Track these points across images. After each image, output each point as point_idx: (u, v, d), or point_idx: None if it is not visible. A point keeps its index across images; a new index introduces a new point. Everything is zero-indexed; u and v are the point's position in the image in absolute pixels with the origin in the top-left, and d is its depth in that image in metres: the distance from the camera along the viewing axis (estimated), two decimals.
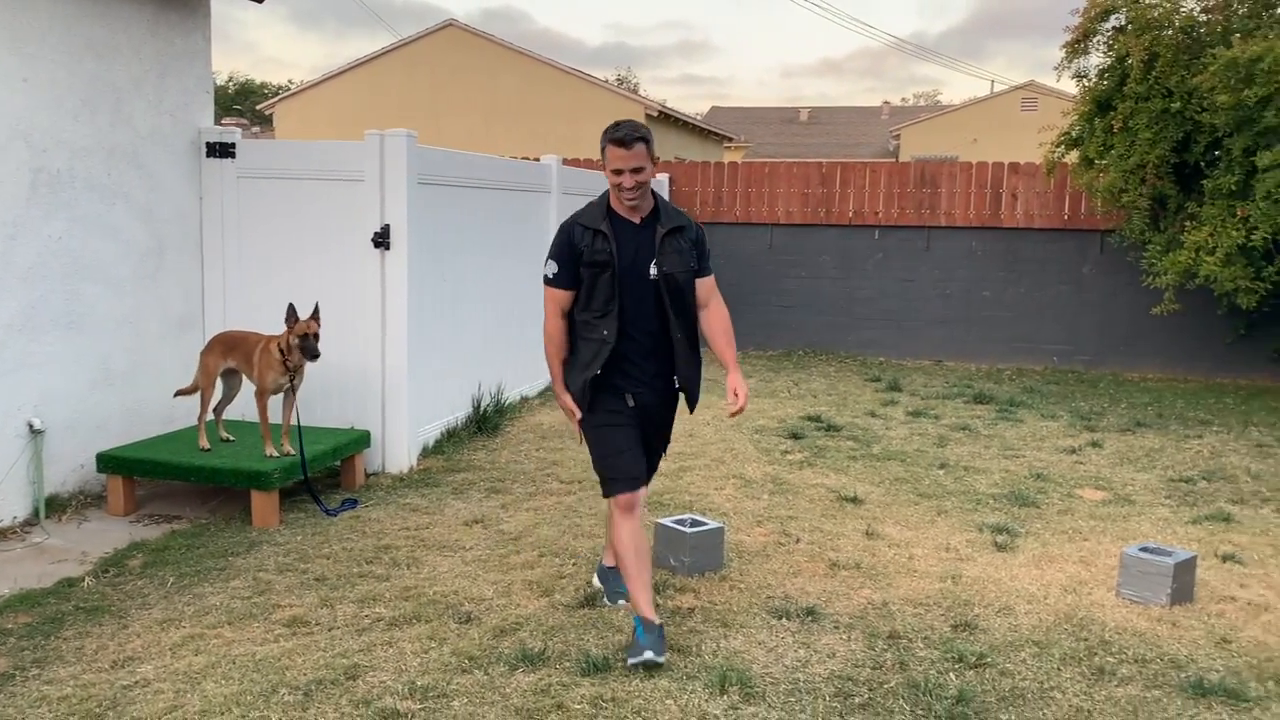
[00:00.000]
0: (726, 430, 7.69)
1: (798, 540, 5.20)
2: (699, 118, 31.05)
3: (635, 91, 43.27)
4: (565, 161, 9.66)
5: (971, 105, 43.94)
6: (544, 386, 8.74)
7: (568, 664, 3.74)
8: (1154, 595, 4.40)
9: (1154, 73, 9.06)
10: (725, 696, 3.51)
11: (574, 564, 4.82)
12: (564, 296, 3.93)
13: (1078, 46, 9.67)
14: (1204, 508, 5.92)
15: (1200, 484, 6.48)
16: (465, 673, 3.67)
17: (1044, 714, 3.44)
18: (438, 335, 6.85)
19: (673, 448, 7.51)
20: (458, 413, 7.32)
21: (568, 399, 3.98)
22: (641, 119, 26.36)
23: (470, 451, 6.94)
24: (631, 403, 3.96)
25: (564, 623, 4.13)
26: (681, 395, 4.11)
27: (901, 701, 3.51)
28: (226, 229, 6.49)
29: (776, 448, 7.22)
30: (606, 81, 35.82)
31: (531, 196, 8.61)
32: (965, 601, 4.42)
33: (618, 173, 3.80)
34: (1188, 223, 9.11)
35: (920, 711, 3.43)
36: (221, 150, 6.40)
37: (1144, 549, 4.54)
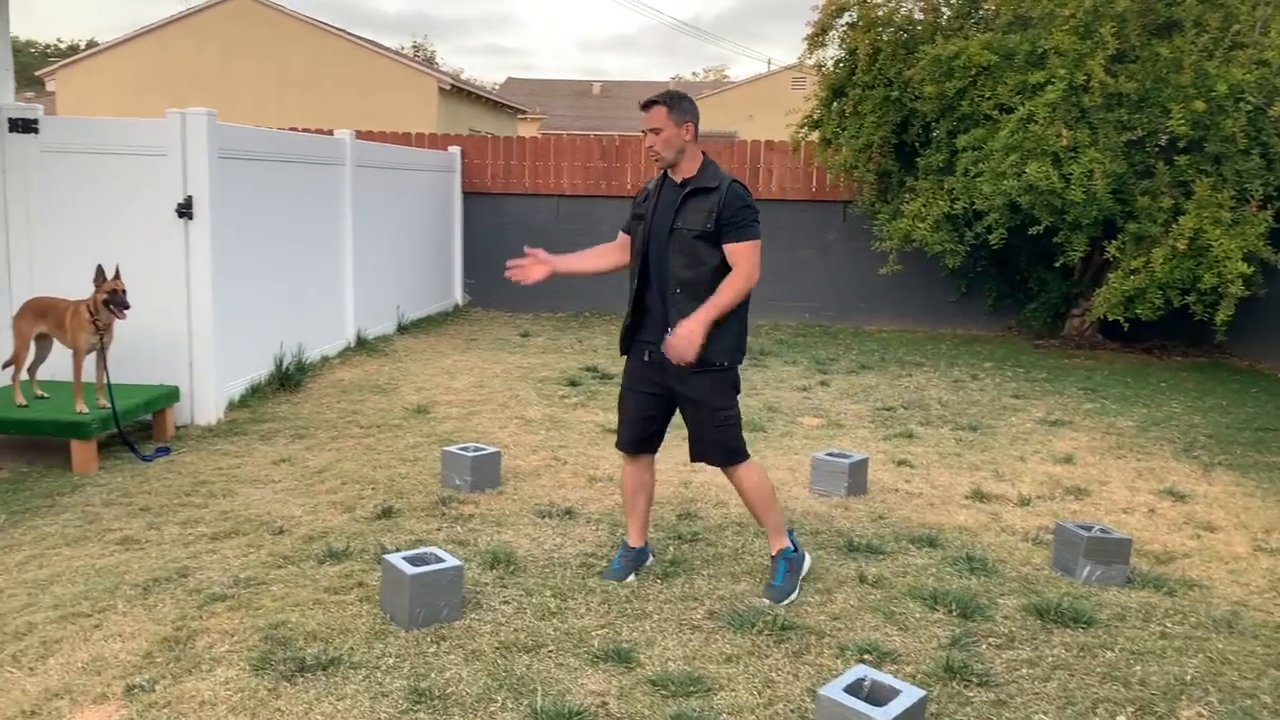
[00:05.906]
0: (514, 381, 8.62)
1: (565, 463, 6.21)
2: (494, 90, 31.57)
3: (432, 63, 43.19)
4: (359, 134, 10.27)
5: (749, 84, 46.45)
6: (343, 347, 9.41)
7: (367, 557, 4.60)
8: (835, 488, 5.65)
9: (877, 65, 10.52)
10: (495, 570, 4.47)
11: (373, 489, 5.66)
12: (620, 236, 4.34)
13: (817, 39, 11.05)
14: (896, 428, 7.31)
15: (899, 411, 7.91)
16: (280, 568, 4.48)
17: (735, 569, 4.57)
18: (240, 298, 7.45)
19: (462, 396, 8.37)
20: (261, 370, 7.94)
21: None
22: (434, 92, 26.84)
23: (274, 405, 7.60)
24: (647, 357, 4.17)
25: (364, 530, 4.98)
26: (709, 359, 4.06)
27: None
28: (31, 200, 6.87)
29: (556, 394, 8.22)
30: (400, 51, 35.78)
31: (326, 169, 9.23)
32: (691, 499, 5.55)
33: (643, 134, 4.09)
34: (907, 195, 10.67)
35: (643, 572, 4.49)
36: (24, 126, 6.78)
37: (830, 454, 5.79)
